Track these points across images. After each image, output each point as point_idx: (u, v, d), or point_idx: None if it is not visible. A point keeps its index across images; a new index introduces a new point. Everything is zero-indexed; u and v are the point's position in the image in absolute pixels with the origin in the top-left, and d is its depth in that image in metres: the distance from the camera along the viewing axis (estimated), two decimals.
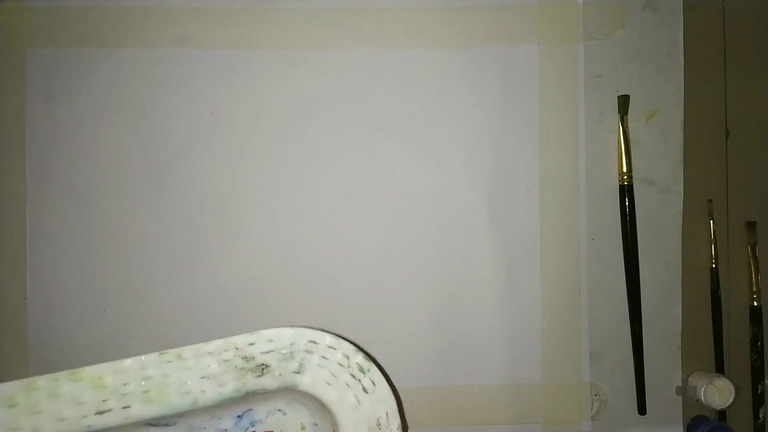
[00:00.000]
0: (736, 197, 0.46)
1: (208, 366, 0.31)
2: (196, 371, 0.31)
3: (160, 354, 0.31)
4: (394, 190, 0.44)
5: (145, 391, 0.30)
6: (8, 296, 0.43)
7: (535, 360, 0.44)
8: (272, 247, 0.44)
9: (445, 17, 0.44)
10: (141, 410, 0.30)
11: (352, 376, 0.33)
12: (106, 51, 0.44)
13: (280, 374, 0.31)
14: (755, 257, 0.45)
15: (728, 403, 0.42)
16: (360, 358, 0.34)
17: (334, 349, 0.34)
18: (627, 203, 0.44)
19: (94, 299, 0.43)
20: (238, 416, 0.35)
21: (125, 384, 0.30)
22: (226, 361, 0.31)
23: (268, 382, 0.31)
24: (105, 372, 0.30)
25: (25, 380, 0.31)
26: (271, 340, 0.32)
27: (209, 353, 0.31)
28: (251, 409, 0.35)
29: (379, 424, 0.33)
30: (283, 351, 0.32)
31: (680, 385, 0.45)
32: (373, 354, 0.43)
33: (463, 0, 0.44)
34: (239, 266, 0.44)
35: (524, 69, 0.45)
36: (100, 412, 0.30)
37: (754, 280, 0.45)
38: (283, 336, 0.32)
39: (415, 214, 0.44)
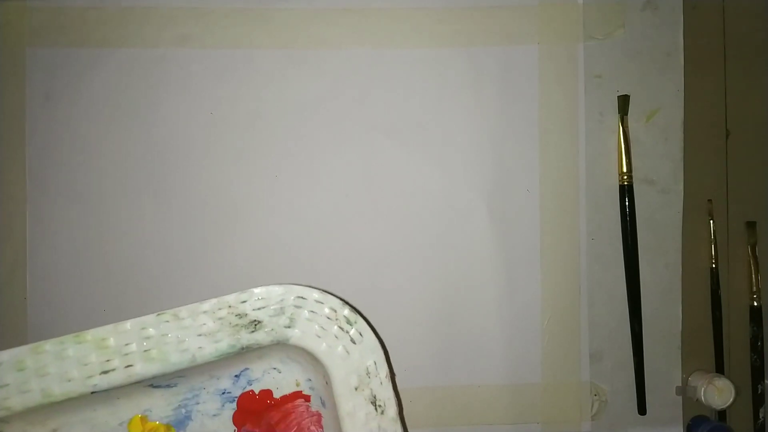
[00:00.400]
0: (736, 197, 0.46)
1: (204, 324, 0.33)
2: (192, 329, 0.33)
3: (158, 314, 0.33)
4: (394, 190, 0.44)
5: (146, 350, 0.32)
6: (8, 296, 0.43)
7: (535, 360, 0.44)
8: (272, 246, 0.44)
9: (445, 17, 0.44)
10: (143, 369, 0.32)
11: (340, 328, 0.35)
12: (106, 51, 0.44)
13: (272, 329, 0.33)
14: (755, 257, 0.45)
15: (728, 403, 0.42)
16: (347, 311, 0.36)
17: (322, 303, 0.35)
18: (627, 203, 0.44)
19: (94, 299, 0.43)
20: (236, 376, 0.36)
21: (127, 344, 0.32)
22: (220, 318, 0.33)
23: (261, 336, 0.33)
24: (107, 333, 0.32)
25: (33, 344, 0.32)
26: (261, 297, 0.34)
27: (204, 312, 0.33)
28: (248, 369, 0.36)
29: (368, 373, 0.35)
30: (273, 307, 0.34)
31: (680, 385, 0.45)
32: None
33: (462, 0, 0.44)
34: (239, 266, 0.44)
35: (524, 69, 0.45)
36: (105, 372, 0.32)
37: (754, 280, 0.45)
38: (272, 293, 0.34)
39: (415, 214, 0.44)
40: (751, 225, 0.45)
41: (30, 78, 0.43)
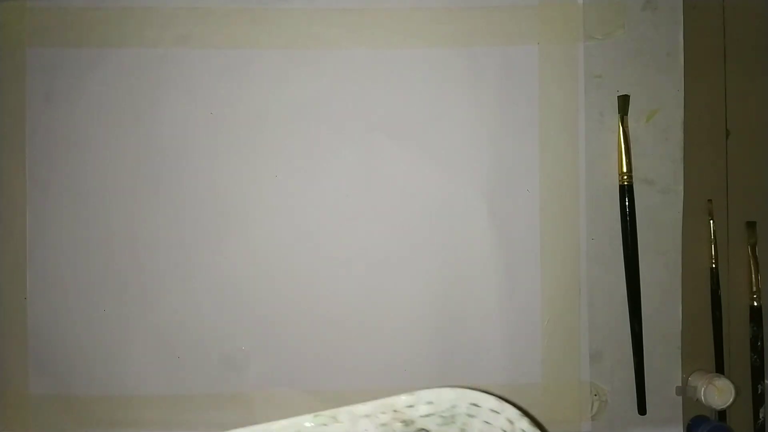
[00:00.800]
0: (736, 197, 0.46)
1: (365, 430, 0.30)
2: None
3: (315, 416, 0.30)
4: (394, 190, 0.44)
5: None
6: (8, 296, 0.43)
7: (535, 360, 0.44)
8: (272, 246, 0.44)
9: (445, 17, 0.44)
10: None
11: None
12: (106, 51, 0.44)
13: None
14: (755, 257, 0.45)
15: (728, 403, 0.42)
16: (525, 423, 0.32)
17: (498, 413, 0.31)
18: (627, 203, 0.44)
19: (95, 299, 0.43)
20: None
21: None
22: (383, 425, 0.30)
23: None
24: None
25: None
26: (430, 402, 0.30)
27: (366, 416, 0.30)
28: None
29: None
30: (443, 414, 0.30)
31: (680, 385, 0.45)
32: (373, 353, 0.44)
33: (462, 0, 0.44)
34: (239, 266, 0.44)
35: (524, 69, 0.45)
36: None
37: (754, 280, 0.45)
38: (443, 398, 0.30)
39: (415, 214, 0.44)
40: (751, 225, 0.45)
41: (30, 78, 0.43)
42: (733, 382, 0.42)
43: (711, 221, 0.45)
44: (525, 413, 0.32)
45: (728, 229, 0.46)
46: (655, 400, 0.44)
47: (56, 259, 0.43)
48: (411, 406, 0.30)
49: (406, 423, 0.30)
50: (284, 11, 0.44)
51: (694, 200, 0.45)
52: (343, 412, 0.30)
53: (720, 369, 0.45)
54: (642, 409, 0.44)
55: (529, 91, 0.45)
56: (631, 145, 0.44)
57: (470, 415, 0.30)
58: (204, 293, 0.43)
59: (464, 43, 0.44)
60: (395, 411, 0.30)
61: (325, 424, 0.29)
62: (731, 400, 0.42)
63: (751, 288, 0.45)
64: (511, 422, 0.31)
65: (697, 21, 0.46)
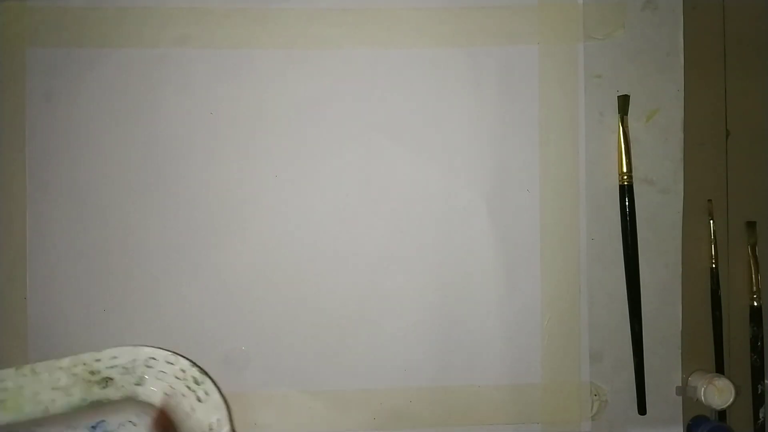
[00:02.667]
0: (736, 197, 0.46)
1: (59, 379, 0.36)
2: (48, 383, 0.36)
3: (17, 368, 0.36)
4: (394, 190, 0.44)
5: (1, 400, 0.35)
6: (8, 296, 0.43)
7: (535, 360, 0.44)
8: (272, 246, 0.44)
9: (445, 17, 0.44)
10: None
11: (188, 387, 0.38)
12: (106, 51, 0.44)
13: (122, 386, 0.37)
14: (755, 257, 0.45)
15: (728, 403, 0.42)
16: (195, 371, 0.39)
17: (172, 364, 0.39)
18: (627, 203, 0.44)
19: (94, 299, 0.43)
20: (92, 426, 0.38)
21: None
22: (74, 374, 0.36)
23: (111, 392, 0.37)
24: None
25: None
26: (114, 357, 0.37)
27: (60, 368, 0.36)
28: (104, 420, 0.38)
29: (211, 429, 0.38)
30: (126, 366, 0.37)
31: (680, 385, 0.45)
32: (373, 353, 0.44)
33: (463, 0, 0.44)
34: (239, 266, 0.44)
35: (524, 69, 0.45)
36: None
37: (754, 280, 0.45)
38: (125, 353, 0.37)
39: (415, 214, 0.44)
40: (751, 225, 0.45)
41: (30, 78, 0.43)
42: (733, 382, 0.42)
43: (711, 221, 0.45)
44: (194, 364, 0.40)
45: (728, 229, 0.46)
46: (655, 400, 0.44)
47: (56, 258, 0.43)
48: (98, 360, 0.37)
49: (93, 373, 0.37)
50: (284, 11, 0.44)
51: (694, 200, 0.45)
52: (42, 365, 0.37)
53: (720, 369, 0.45)
54: (642, 409, 0.44)
55: (529, 91, 0.45)
56: (631, 145, 0.44)
57: (148, 366, 0.38)
58: (204, 293, 0.43)
59: (464, 43, 0.44)
60: (84, 364, 0.37)
61: (25, 375, 0.36)
62: (731, 400, 0.42)
63: (751, 288, 0.45)
64: (183, 371, 0.39)
65: (697, 21, 0.46)
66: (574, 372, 0.44)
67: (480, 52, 0.44)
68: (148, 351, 0.38)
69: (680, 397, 0.45)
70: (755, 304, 0.45)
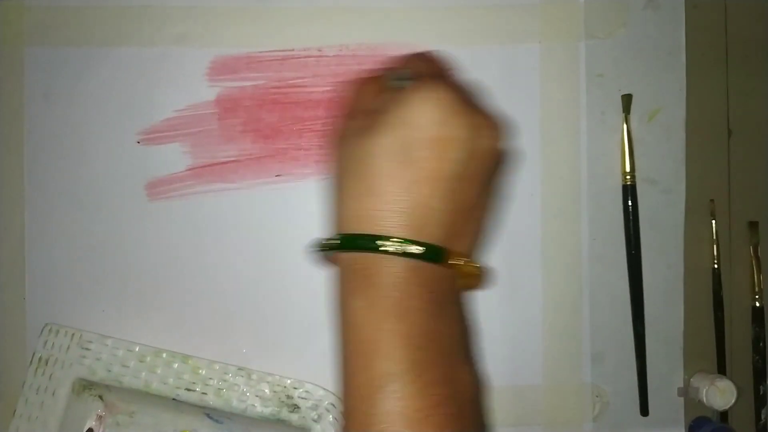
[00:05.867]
0: (738, 197, 0.45)
1: (264, 390, 0.41)
2: (255, 389, 0.41)
3: (239, 368, 0.41)
4: None
5: (219, 388, 0.41)
6: (7, 296, 0.43)
7: (537, 361, 0.44)
8: (272, 245, 0.44)
9: (446, 16, 0.44)
10: (211, 400, 0.41)
11: None
12: (104, 50, 0.43)
13: (304, 417, 0.41)
14: (758, 257, 0.45)
15: (730, 405, 0.42)
16: None
17: None
18: (630, 203, 0.44)
19: (93, 300, 0.43)
20: None
21: (210, 378, 0.41)
22: (275, 391, 0.41)
23: (294, 418, 0.41)
24: (203, 365, 0.41)
25: (157, 348, 0.42)
26: (308, 391, 0.41)
27: (267, 381, 0.41)
28: None
29: None
30: (312, 401, 0.41)
31: (682, 386, 0.44)
32: None
33: None
34: (239, 266, 0.44)
35: (525, 68, 0.44)
36: (188, 389, 0.41)
37: (756, 280, 0.45)
38: (316, 392, 0.41)
39: None
40: (753, 225, 0.45)
41: (28, 77, 0.43)
42: (735, 383, 0.42)
43: (713, 221, 0.45)
44: None
45: (730, 229, 0.45)
46: (657, 401, 0.44)
47: (55, 259, 0.43)
48: (296, 389, 0.42)
49: (289, 396, 0.42)
50: (283, 10, 0.44)
51: (696, 200, 0.45)
52: (256, 373, 0.42)
53: (722, 370, 0.45)
54: (644, 411, 0.44)
55: (530, 90, 0.44)
56: (634, 145, 0.44)
57: (328, 410, 0.41)
58: (204, 293, 0.43)
59: (465, 42, 0.44)
60: (285, 387, 0.42)
61: (242, 376, 0.41)
62: (733, 401, 0.42)
63: (754, 288, 0.45)
64: None
65: (699, 20, 0.45)
66: (575, 373, 0.44)
67: (481, 51, 0.44)
68: (334, 397, 0.41)
69: (682, 398, 0.44)
70: (757, 304, 0.45)
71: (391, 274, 0.29)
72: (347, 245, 0.30)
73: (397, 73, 0.34)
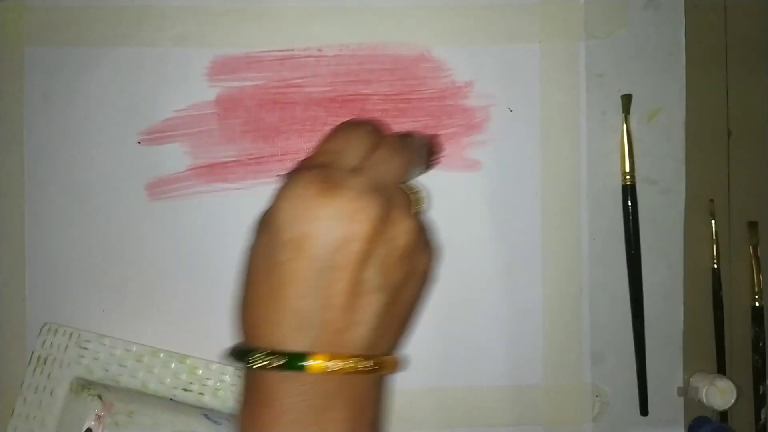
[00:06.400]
0: (738, 197, 0.45)
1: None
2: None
3: (237, 369, 0.40)
4: None
5: (217, 389, 0.41)
6: (7, 297, 0.43)
7: (537, 361, 0.44)
8: None
9: (446, 16, 0.44)
10: (208, 401, 0.41)
11: None
12: (104, 50, 0.43)
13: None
14: (757, 257, 0.45)
15: (730, 404, 0.42)
16: None
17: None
18: (630, 203, 0.44)
19: (93, 300, 0.43)
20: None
21: (208, 378, 0.41)
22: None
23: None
24: (200, 365, 0.41)
25: (154, 348, 0.41)
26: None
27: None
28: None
29: None
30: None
31: (682, 385, 0.45)
32: None
33: None
34: (239, 265, 0.43)
35: (525, 68, 0.44)
36: (185, 389, 0.41)
37: (756, 280, 0.45)
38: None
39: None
40: (753, 225, 0.45)
41: (28, 77, 0.43)
42: (734, 383, 0.42)
43: (713, 221, 0.45)
44: None
45: (730, 229, 0.46)
46: (656, 401, 0.44)
47: (55, 259, 0.43)
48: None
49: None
50: (283, 10, 0.44)
51: (696, 200, 0.45)
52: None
53: (722, 370, 0.45)
54: (644, 410, 0.44)
55: (530, 90, 0.44)
56: (634, 145, 0.44)
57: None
58: (205, 293, 0.43)
59: (465, 42, 0.44)
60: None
61: (239, 377, 0.39)
62: (733, 401, 0.42)
63: (753, 288, 0.45)
64: None
65: (699, 20, 0.45)
66: (575, 373, 0.44)
67: (480, 51, 0.44)
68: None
69: (682, 398, 0.44)
70: (757, 304, 0.45)
71: (262, 388, 0.28)
72: (229, 356, 0.30)
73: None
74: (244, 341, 0.30)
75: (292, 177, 0.29)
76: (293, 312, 0.28)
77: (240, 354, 0.29)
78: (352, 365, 0.28)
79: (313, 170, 0.29)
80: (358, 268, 0.29)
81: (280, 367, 0.28)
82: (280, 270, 0.28)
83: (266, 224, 0.30)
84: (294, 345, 0.28)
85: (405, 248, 0.30)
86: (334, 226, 0.28)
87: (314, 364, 0.28)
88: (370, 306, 0.29)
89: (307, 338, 0.28)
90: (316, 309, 0.28)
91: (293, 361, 0.28)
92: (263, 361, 0.28)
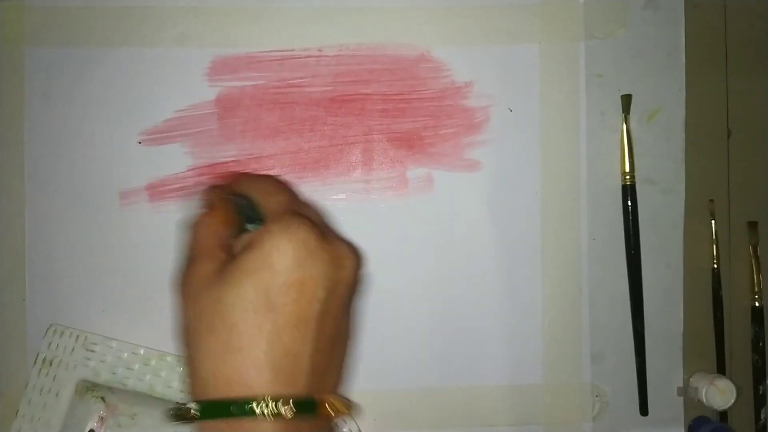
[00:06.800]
0: (737, 197, 0.45)
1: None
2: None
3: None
4: (393, 188, 0.44)
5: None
6: (7, 297, 0.43)
7: (536, 361, 0.44)
8: None
9: (446, 16, 0.44)
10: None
11: None
12: (104, 50, 0.43)
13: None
14: (757, 257, 0.45)
15: (730, 404, 0.42)
16: None
17: None
18: (630, 203, 0.44)
19: (94, 300, 0.43)
20: None
21: None
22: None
23: None
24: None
25: (162, 352, 0.42)
26: None
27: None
28: None
29: None
30: None
31: (682, 385, 0.45)
32: (374, 354, 0.43)
33: None
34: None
35: (525, 68, 0.44)
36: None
37: (755, 280, 0.45)
38: None
39: (415, 213, 0.44)
40: (752, 225, 0.45)
41: (29, 77, 0.43)
42: (734, 383, 0.42)
43: (713, 221, 0.45)
44: None
45: (730, 229, 0.46)
46: (656, 401, 0.44)
47: (55, 259, 0.43)
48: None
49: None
50: (283, 10, 0.44)
51: (696, 200, 0.45)
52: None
53: (721, 370, 0.45)
54: (643, 410, 0.44)
55: (529, 90, 0.44)
56: (634, 145, 0.44)
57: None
58: None
59: (465, 42, 0.44)
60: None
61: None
62: (732, 400, 0.42)
63: (753, 288, 0.45)
64: None
65: (699, 20, 0.45)
66: (575, 373, 0.44)
67: (481, 51, 0.44)
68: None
69: (681, 398, 0.45)
70: (757, 304, 0.45)
71: None
72: (209, 414, 0.27)
73: (244, 209, 0.32)
74: (220, 391, 0.27)
75: (278, 223, 0.29)
76: (292, 356, 0.27)
77: (222, 407, 0.26)
78: (340, 406, 0.29)
79: (297, 217, 0.29)
80: (345, 311, 0.30)
81: (295, 413, 0.26)
82: (277, 314, 0.27)
83: (256, 269, 0.28)
84: (295, 390, 0.27)
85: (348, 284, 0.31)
86: (333, 270, 0.29)
87: (319, 409, 0.28)
88: (346, 349, 0.32)
89: (302, 384, 0.27)
90: (311, 352, 0.28)
91: (303, 409, 0.27)
92: (265, 409, 0.26)
